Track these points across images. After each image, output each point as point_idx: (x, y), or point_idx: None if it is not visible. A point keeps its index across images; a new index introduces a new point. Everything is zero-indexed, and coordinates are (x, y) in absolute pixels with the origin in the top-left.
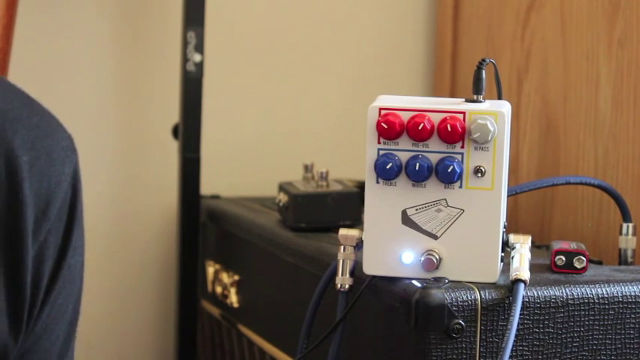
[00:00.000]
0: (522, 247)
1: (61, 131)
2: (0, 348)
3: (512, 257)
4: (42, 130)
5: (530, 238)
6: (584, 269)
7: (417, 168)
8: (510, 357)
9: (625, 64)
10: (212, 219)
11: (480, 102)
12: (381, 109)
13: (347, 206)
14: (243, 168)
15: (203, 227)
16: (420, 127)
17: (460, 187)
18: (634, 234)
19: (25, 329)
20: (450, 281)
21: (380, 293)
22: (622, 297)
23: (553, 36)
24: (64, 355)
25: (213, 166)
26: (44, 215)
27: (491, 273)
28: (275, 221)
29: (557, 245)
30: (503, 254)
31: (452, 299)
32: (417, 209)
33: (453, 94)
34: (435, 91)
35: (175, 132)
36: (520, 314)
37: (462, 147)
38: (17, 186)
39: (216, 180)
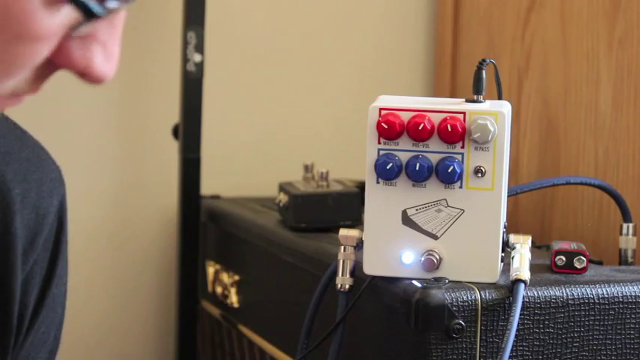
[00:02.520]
0: (522, 247)
1: (50, 163)
2: None
3: (513, 257)
4: (33, 163)
5: (530, 238)
6: (584, 269)
7: (417, 168)
8: (510, 357)
9: (625, 64)
10: (212, 219)
11: (480, 102)
12: (381, 109)
13: (347, 206)
14: (244, 168)
15: (203, 227)
16: (420, 127)
17: (460, 187)
18: (634, 234)
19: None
20: (450, 281)
21: (380, 293)
22: (622, 297)
23: (553, 36)
24: None
25: (213, 167)
26: (31, 246)
27: (492, 273)
28: (275, 221)
29: (558, 245)
30: (503, 254)
31: (452, 299)
32: (417, 209)
33: (453, 94)
34: (435, 91)
35: (175, 132)
36: (520, 314)
37: (462, 147)
38: (9, 219)
39: (217, 180)
